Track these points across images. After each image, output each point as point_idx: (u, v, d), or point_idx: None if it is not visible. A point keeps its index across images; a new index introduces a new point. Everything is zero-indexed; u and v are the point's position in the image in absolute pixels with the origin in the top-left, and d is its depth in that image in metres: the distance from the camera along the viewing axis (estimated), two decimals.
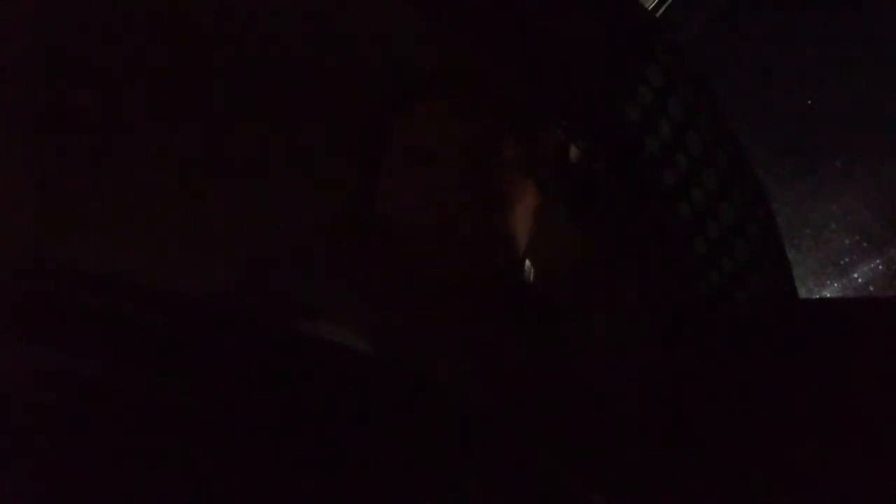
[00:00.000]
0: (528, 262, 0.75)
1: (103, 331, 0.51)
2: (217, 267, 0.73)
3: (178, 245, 0.70)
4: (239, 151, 0.73)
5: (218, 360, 0.54)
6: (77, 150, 0.66)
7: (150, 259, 0.67)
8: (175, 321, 0.55)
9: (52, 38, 0.61)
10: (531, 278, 0.75)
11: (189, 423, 0.49)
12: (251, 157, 0.73)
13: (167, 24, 0.65)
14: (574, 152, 0.65)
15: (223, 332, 0.57)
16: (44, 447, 0.45)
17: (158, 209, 0.71)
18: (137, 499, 0.45)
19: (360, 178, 0.71)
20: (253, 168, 0.74)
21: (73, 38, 0.62)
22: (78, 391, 0.48)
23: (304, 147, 0.74)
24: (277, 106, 0.72)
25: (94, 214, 0.67)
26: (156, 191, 0.70)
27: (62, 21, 0.61)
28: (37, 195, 0.64)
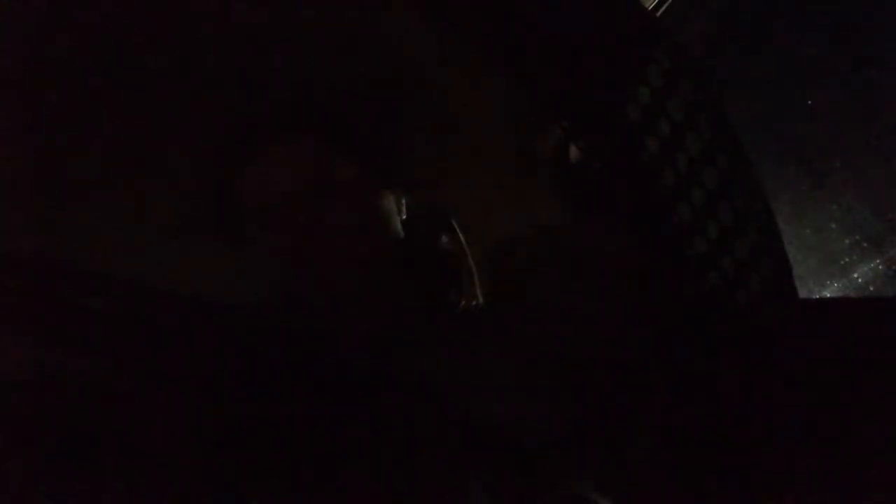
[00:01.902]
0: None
1: (103, 331, 0.51)
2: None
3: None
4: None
5: (216, 357, 0.53)
6: (74, 151, 0.66)
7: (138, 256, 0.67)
8: (175, 320, 0.55)
9: (41, 44, 0.61)
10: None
11: (187, 420, 0.49)
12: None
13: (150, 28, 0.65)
14: (574, 152, 0.65)
15: (221, 330, 0.57)
16: (43, 445, 0.45)
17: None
18: (136, 494, 0.45)
19: None
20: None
21: (61, 43, 0.62)
22: (78, 391, 0.48)
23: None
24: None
25: (90, 215, 0.67)
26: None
27: (51, 27, 0.61)
28: (36, 196, 0.64)
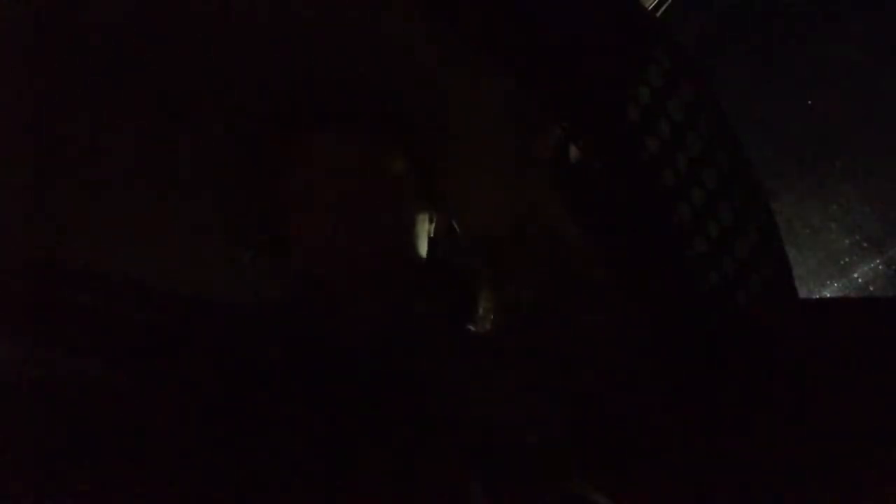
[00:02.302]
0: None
1: (102, 330, 0.51)
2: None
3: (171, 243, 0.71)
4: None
5: (215, 357, 0.54)
6: (72, 150, 0.66)
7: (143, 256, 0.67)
8: (175, 321, 0.55)
9: (41, 44, 0.61)
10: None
11: (187, 420, 0.49)
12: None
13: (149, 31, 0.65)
14: (574, 152, 0.65)
15: (221, 330, 0.57)
16: (43, 445, 0.45)
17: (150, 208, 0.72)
18: (137, 494, 0.45)
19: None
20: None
21: (61, 43, 0.62)
22: (78, 391, 0.48)
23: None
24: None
25: (90, 215, 0.67)
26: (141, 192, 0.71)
27: (51, 27, 0.61)
28: (36, 196, 0.64)
